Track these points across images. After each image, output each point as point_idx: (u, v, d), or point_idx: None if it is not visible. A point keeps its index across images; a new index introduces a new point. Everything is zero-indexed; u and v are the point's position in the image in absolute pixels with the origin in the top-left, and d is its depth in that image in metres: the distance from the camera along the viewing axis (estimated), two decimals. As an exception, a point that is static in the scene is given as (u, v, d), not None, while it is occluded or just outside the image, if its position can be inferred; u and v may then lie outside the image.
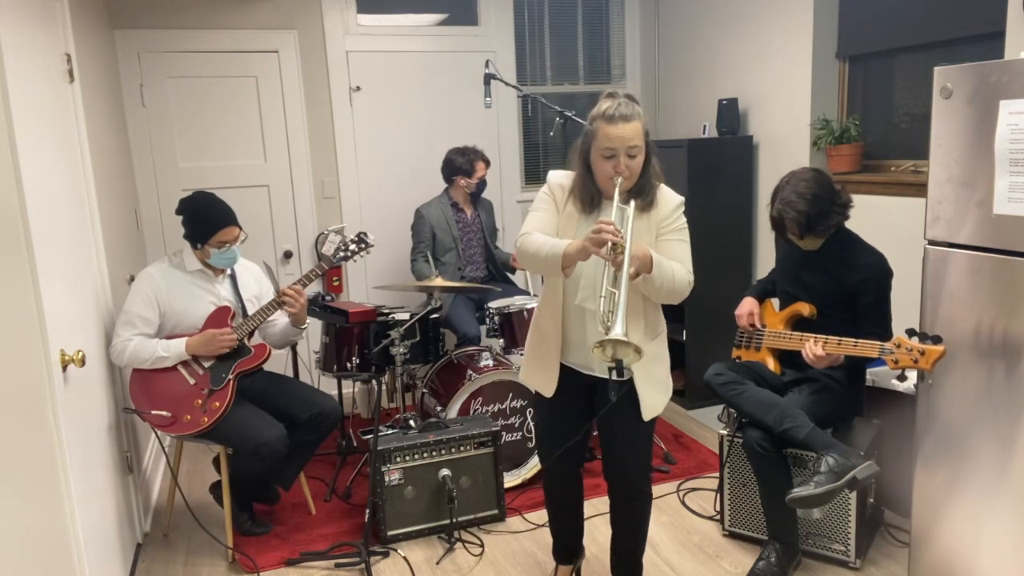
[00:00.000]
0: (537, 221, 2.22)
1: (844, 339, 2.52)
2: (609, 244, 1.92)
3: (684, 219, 2.24)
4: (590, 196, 2.19)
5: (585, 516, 2.67)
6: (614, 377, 1.87)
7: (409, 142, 4.71)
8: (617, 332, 1.83)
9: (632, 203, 2.11)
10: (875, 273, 2.63)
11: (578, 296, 2.20)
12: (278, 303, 2.93)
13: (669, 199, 2.23)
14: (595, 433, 2.51)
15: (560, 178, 2.27)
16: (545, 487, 2.56)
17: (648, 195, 2.17)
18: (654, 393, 2.24)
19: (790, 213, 2.59)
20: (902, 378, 2.54)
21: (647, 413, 2.23)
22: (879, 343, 2.44)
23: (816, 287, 2.73)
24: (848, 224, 2.70)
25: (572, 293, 2.21)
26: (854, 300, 2.66)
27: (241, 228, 2.97)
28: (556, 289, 2.24)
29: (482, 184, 4.14)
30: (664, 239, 2.19)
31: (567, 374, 2.29)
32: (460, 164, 4.08)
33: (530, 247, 2.11)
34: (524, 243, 2.14)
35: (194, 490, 3.52)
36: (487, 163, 4.15)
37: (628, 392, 2.21)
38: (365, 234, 3.18)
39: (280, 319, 3.11)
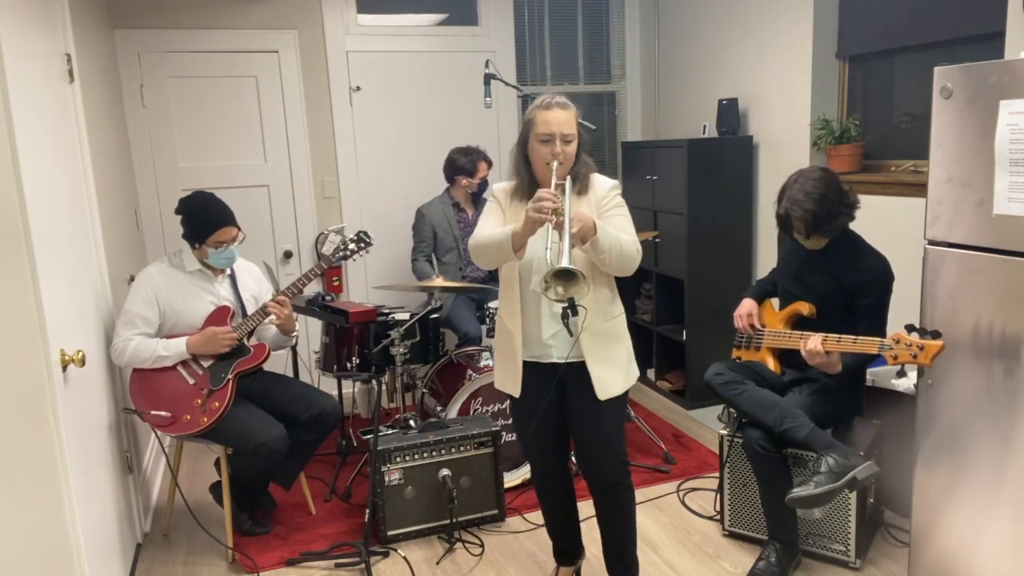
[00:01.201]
0: (487, 225, 2.33)
1: (844, 336, 2.52)
2: (550, 209, 2.02)
3: (621, 199, 2.33)
4: (530, 187, 2.29)
5: (582, 517, 2.68)
6: (568, 313, 1.97)
7: (409, 142, 4.71)
8: (564, 262, 1.91)
9: (568, 179, 2.20)
10: (877, 276, 2.63)
11: (533, 281, 2.26)
12: (263, 314, 2.93)
13: (604, 182, 2.34)
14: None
15: (502, 185, 2.40)
16: (537, 490, 2.61)
17: (581, 180, 2.29)
18: (607, 372, 2.28)
19: (797, 212, 2.58)
20: (901, 374, 2.55)
21: (600, 391, 2.27)
22: (878, 339, 2.44)
23: (817, 287, 2.73)
24: (849, 224, 2.70)
25: (528, 279, 2.28)
26: (853, 302, 2.66)
27: (239, 228, 2.97)
28: (512, 280, 2.31)
29: (484, 184, 4.14)
30: (605, 216, 2.26)
31: (532, 370, 2.34)
32: (463, 164, 4.08)
33: (480, 240, 2.23)
34: (475, 240, 2.25)
35: (194, 490, 3.52)
36: (489, 163, 4.16)
37: (582, 375, 2.28)
38: (365, 232, 3.19)
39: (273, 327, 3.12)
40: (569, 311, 1.99)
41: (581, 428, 2.36)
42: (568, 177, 2.21)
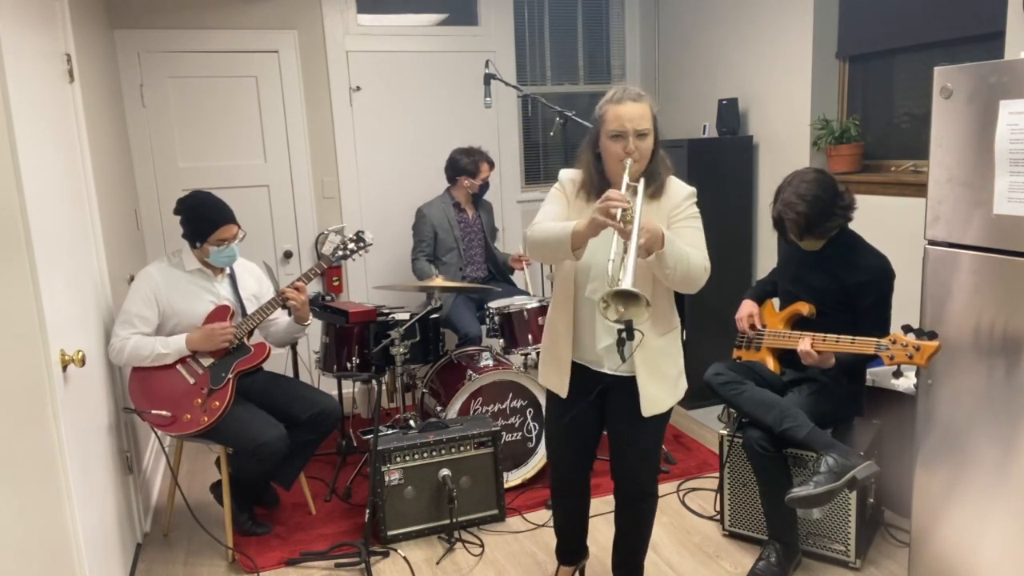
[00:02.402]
0: (548, 213, 2.19)
1: (842, 336, 2.52)
2: (618, 213, 1.86)
3: (696, 209, 2.19)
4: (599, 186, 2.14)
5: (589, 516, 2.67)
6: (624, 338, 1.83)
7: (409, 142, 4.70)
8: (626, 283, 1.77)
9: (641, 181, 2.05)
10: (876, 275, 2.63)
11: (588, 288, 2.16)
12: (281, 302, 2.94)
13: (680, 188, 2.20)
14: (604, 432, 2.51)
15: (571, 174, 2.25)
16: (553, 487, 2.54)
17: (657, 181, 2.14)
18: (656, 389, 2.19)
19: (789, 214, 2.59)
20: (898, 374, 2.55)
21: (647, 408, 2.18)
22: (875, 339, 2.44)
23: (817, 287, 2.73)
24: (849, 224, 2.70)
25: (583, 285, 2.18)
26: (854, 301, 2.66)
27: (239, 226, 2.98)
28: (567, 281, 2.21)
29: (485, 185, 4.14)
30: (676, 227, 2.13)
31: (580, 374, 2.27)
32: (465, 165, 4.08)
33: (539, 234, 2.07)
34: (533, 232, 2.10)
35: (194, 490, 3.52)
36: (491, 164, 4.16)
37: (630, 389, 2.19)
38: (363, 232, 3.19)
39: (281, 317, 3.12)
40: (625, 335, 1.84)
41: (621, 440, 2.29)
42: (642, 179, 2.06)
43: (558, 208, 2.20)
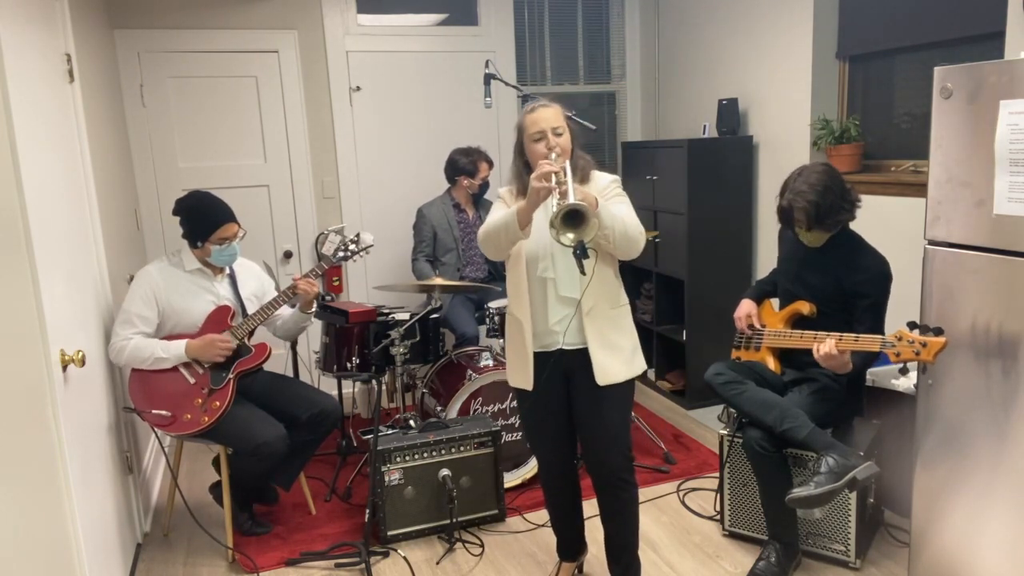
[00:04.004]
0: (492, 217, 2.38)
1: (845, 334, 2.52)
2: (552, 178, 2.06)
3: (623, 191, 2.38)
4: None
5: (585, 516, 2.68)
6: (578, 255, 2.00)
7: (409, 142, 4.71)
8: (570, 199, 1.97)
9: (567, 162, 2.22)
10: (874, 276, 2.62)
11: (539, 267, 2.31)
12: (290, 294, 2.97)
13: (604, 176, 2.39)
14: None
15: (506, 187, 2.47)
16: (542, 483, 2.61)
17: (580, 171, 2.33)
18: (608, 358, 2.30)
19: (800, 203, 2.57)
20: (904, 371, 2.54)
21: (600, 376, 2.28)
22: (880, 336, 2.43)
23: (817, 286, 2.73)
24: (850, 223, 2.70)
25: (534, 266, 2.32)
26: (852, 302, 2.66)
27: (240, 225, 2.98)
28: (519, 267, 2.35)
29: (485, 185, 4.14)
30: (607, 203, 2.29)
31: (542, 362, 2.36)
32: (463, 165, 4.08)
33: (488, 226, 2.29)
34: (483, 229, 2.31)
35: (194, 490, 3.52)
36: (490, 164, 4.16)
37: (586, 364, 2.29)
38: (362, 234, 3.20)
39: (284, 311, 3.14)
40: (579, 252, 2.01)
41: (586, 420, 2.37)
42: (567, 162, 2.24)
43: (501, 212, 2.40)
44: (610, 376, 2.30)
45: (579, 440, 2.46)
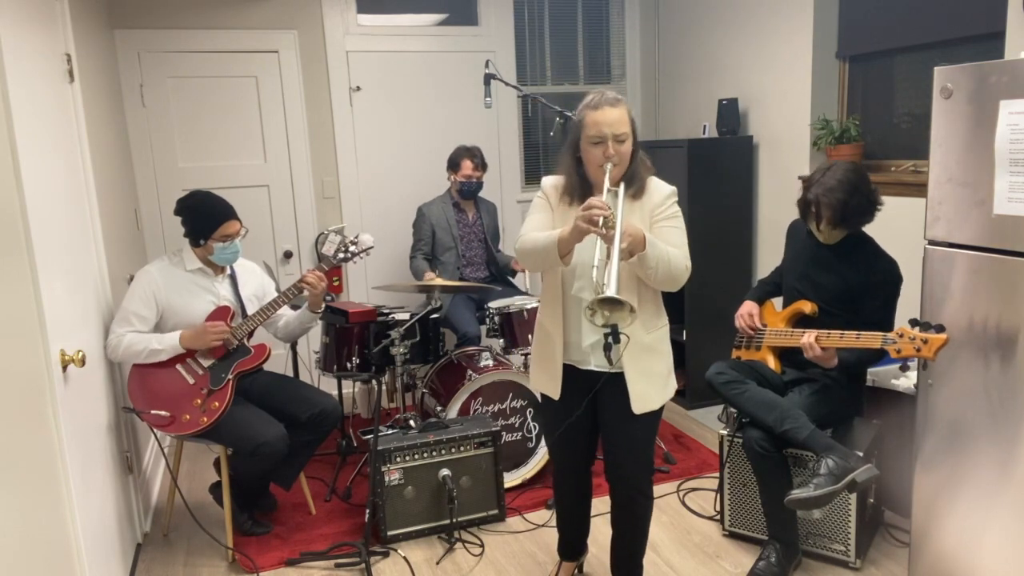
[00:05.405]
0: (533, 223, 2.25)
1: (846, 332, 2.52)
2: (600, 220, 1.92)
3: (677, 208, 2.23)
4: (581, 190, 2.20)
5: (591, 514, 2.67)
6: (610, 342, 1.90)
7: (409, 142, 4.70)
8: (611, 290, 1.83)
9: (622, 185, 2.12)
10: (885, 279, 2.61)
11: (575, 286, 2.21)
12: (297, 291, 2.97)
13: (660, 187, 2.23)
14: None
15: (552, 180, 2.32)
16: (555, 485, 2.58)
17: (638, 183, 2.18)
18: (645, 386, 2.22)
19: (828, 199, 2.54)
20: (904, 368, 2.54)
21: (637, 405, 2.21)
22: (881, 333, 2.43)
23: (825, 286, 2.72)
24: (867, 225, 2.68)
25: (570, 284, 2.22)
26: (860, 302, 2.65)
27: (242, 222, 2.98)
28: (555, 281, 2.26)
29: (474, 184, 4.09)
30: (658, 226, 2.18)
31: (570, 374, 2.30)
32: (451, 159, 4.08)
33: (527, 244, 2.15)
34: (521, 243, 2.18)
35: (194, 490, 3.52)
36: (477, 163, 4.07)
37: (620, 386, 2.22)
38: (359, 236, 3.20)
39: (285, 312, 3.14)
40: (611, 339, 1.91)
41: (613, 438, 2.31)
42: (622, 183, 2.12)
43: (543, 216, 2.26)
44: (647, 404, 2.22)
45: (604, 453, 2.38)
